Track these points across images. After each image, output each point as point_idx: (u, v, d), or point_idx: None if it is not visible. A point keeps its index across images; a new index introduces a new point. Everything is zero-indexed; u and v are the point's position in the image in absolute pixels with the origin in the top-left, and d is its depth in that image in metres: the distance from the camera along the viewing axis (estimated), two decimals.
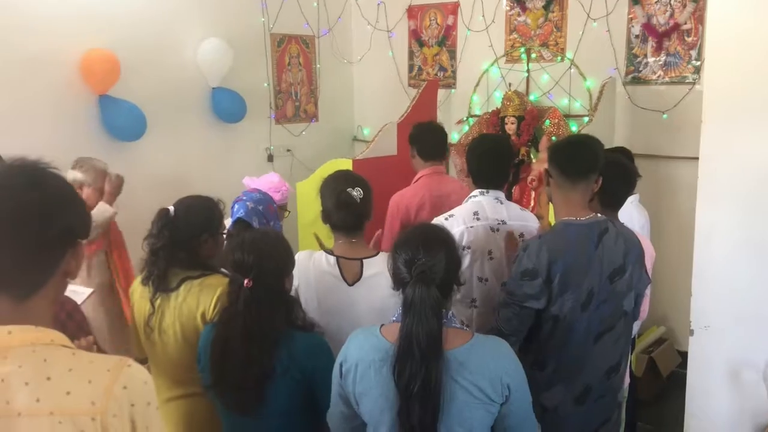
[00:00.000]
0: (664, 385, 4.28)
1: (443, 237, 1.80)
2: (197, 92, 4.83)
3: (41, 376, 1.12)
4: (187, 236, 2.25)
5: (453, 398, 1.63)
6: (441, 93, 5.34)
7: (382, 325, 1.79)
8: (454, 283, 1.77)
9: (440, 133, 3.44)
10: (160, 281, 2.22)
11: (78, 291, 2.76)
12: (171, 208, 2.28)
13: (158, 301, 2.22)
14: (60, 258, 1.19)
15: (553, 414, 2.18)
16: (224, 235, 2.40)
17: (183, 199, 2.34)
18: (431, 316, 1.63)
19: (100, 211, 3.37)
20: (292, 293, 2.21)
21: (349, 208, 2.27)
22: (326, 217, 2.33)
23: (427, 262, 1.67)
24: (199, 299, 2.19)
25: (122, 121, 4.23)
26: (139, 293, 2.31)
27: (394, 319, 1.75)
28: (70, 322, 2.06)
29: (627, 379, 2.86)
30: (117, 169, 4.32)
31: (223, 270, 2.28)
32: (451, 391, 1.63)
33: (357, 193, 2.26)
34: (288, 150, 5.55)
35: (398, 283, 1.74)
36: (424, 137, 3.37)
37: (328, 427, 1.95)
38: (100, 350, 1.91)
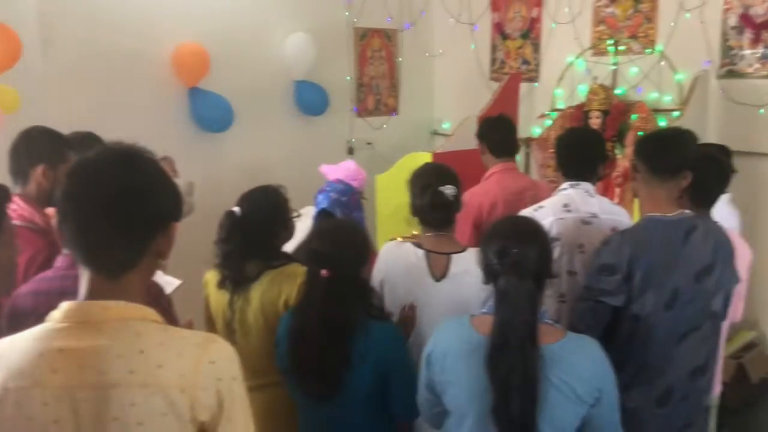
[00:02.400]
0: (753, 393, 4.08)
1: (535, 227, 1.79)
2: (281, 85, 4.94)
3: (134, 349, 1.18)
4: (260, 231, 2.26)
5: (545, 395, 1.60)
6: (523, 86, 5.25)
7: (472, 316, 1.78)
8: (547, 275, 1.74)
9: (511, 128, 3.34)
10: (237, 285, 2.24)
11: (168, 281, 2.85)
12: (237, 209, 2.28)
13: (238, 303, 2.24)
14: (152, 238, 1.25)
15: (632, 415, 2.11)
16: (296, 218, 2.40)
17: (246, 196, 2.33)
18: (526, 308, 1.61)
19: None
20: (376, 283, 2.24)
21: (444, 208, 2.26)
22: (416, 212, 2.33)
23: (520, 253, 1.64)
24: (281, 288, 2.22)
25: (210, 112, 4.40)
26: (213, 285, 2.33)
27: (485, 311, 1.74)
28: (156, 306, 2.13)
29: (719, 386, 2.74)
30: (204, 159, 4.51)
31: (299, 258, 2.31)
32: (543, 388, 1.60)
33: (450, 191, 2.24)
34: (368, 143, 5.59)
35: (489, 274, 1.72)
36: (495, 133, 3.27)
37: (402, 415, 1.97)
38: None
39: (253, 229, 2.25)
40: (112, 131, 1.25)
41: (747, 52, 4.30)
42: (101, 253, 1.22)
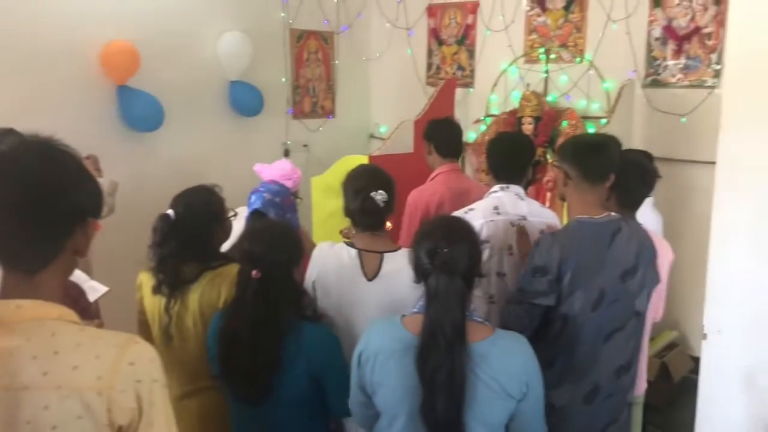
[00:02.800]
0: (675, 390, 4.24)
1: (465, 228, 1.82)
2: (216, 85, 4.86)
3: (49, 350, 1.14)
4: (195, 233, 2.21)
5: (473, 392, 1.63)
6: (459, 92, 5.32)
7: (403, 316, 1.79)
8: (476, 274, 1.78)
9: (458, 130, 3.40)
10: (173, 289, 2.18)
11: (95, 287, 2.75)
12: (171, 212, 2.23)
13: (176, 308, 2.19)
14: (69, 234, 1.20)
15: (560, 413, 2.17)
16: (232, 217, 2.37)
17: (180, 197, 2.28)
18: (456, 306, 1.63)
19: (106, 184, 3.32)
20: (309, 283, 2.22)
21: (374, 214, 2.27)
22: (349, 214, 2.33)
23: (451, 252, 1.67)
24: (220, 289, 2.18)
25: (140, 111, 4.27)
26: (148, 288, 2.27)
27: (415, 310, 1.75)
28: (75, 307, 2.06)
29: (644, 384, 2.84)
30: (134, 159, 4.38)
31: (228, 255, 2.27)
32: (472, 385, 1.63)
33: (381, 197, 2.24)
34: (304, 145, 5.56)
35: (420, 274, 1.74)
36: (442, 134, 3.32)
37: (334, 417, 1.96)
38: None
39: (189, 231, 2.21)
40: (36, 130, 1.20)
41: (670, 62, 4.49)
42: (15, 249, 1.17)
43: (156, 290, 2.23)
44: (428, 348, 1.62)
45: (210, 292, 2.19)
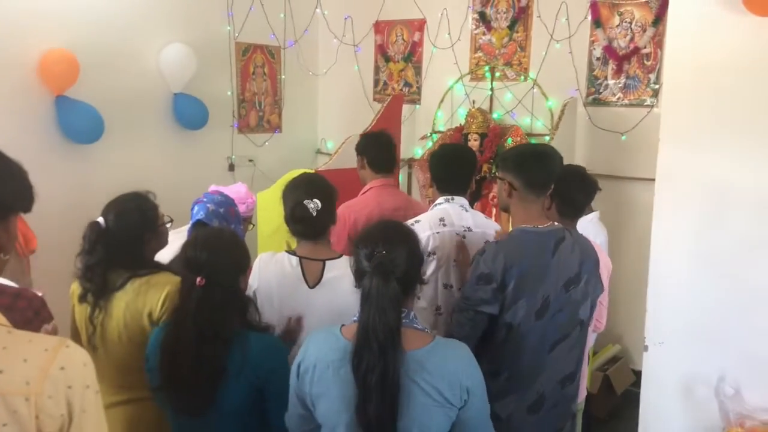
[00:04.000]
0: (618, 403, 4.31)
1: (405, 232, 1.80)
2: (158, 97, 4.76)
3: None
4: (126, 240, 2.14)
5: (412, 400, 1.61)
6: (406, 108, 5.35)
7: (342, 325, 1.76)
8: (417, 280, 1.75)
9: (390, 144, 3.29)
10: (99, 297, 2.11)
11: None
12: (101, 220, 2.16)
13: (99, 317, 2.12)
14: None
15: (506, 423, 2.16)
16: (167, 225, 2.31)
17: (111, 205, 2.20)
18: (389, 309, 1.60)
19: None
20: (250, 293, 2.17)
21: (304, 221, 2.23)
22: (286, 222, 2.30)
23: (387, 255, 1.65)
24: (146, 298, 2.11)
25: (79, 122, 4.15)
26: (77, 296, 2.20)
27: (355, 319, 1.73)
28: (37, 320, 1.97)
29: (584, 392, 2.87)
30: (72, 171, 4.24)
31: (172, 268, 2.21)
32: (410, 393, 1.60)
33: (314, 205, 2.21)
34: (250, 160, 5.49)
35: (358, 277, 1.72)
36: (375, 148, 3.22)
37: (278, 429, 1.91)
38: None
39: (119, 239, 2.14)
40: None
41: (611, 81, 4.62)
42: None
43: (82, 299, 2.15)
44: (361, 350, 1.60)
45: (135, 301, 2.11)
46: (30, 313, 1.98)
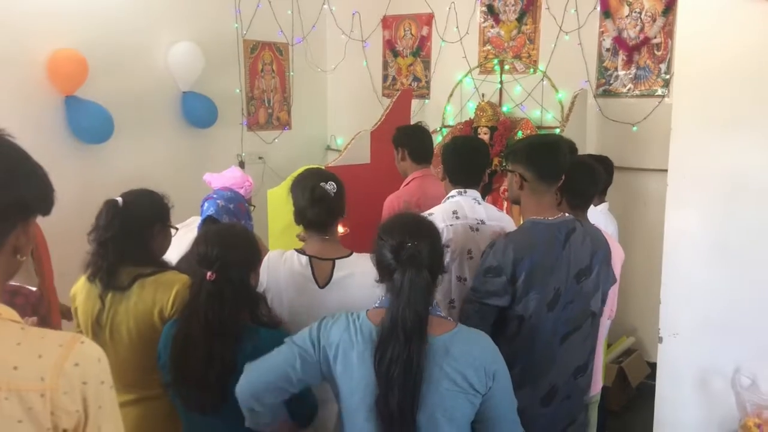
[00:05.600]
0: (633, 396, 4.29)
1: (427, 223, 1.83)
2: (167, 96, 4.77)
3: None
4: (138, 227, 2.15)
5: (437, 385, 1.62)
6: (415, 103, 5.34)
7: (368, 310, 1.77)
8: (440, 270, 1.78)
9: (429, 136, 3.45)
10: (110, 277, 2.11)
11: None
12: (119, 199, 2.18)
13: (109, 297, 2.11)
14: (9, 231, 1.13)
15: (519, 416, 2.15)
16: (175, 229, 2.33)
17: (130, 192, 2.24)
18: (421, 300, 1.63)
19: None
20: (259, 291, 2.17)
21: (323, 202, 2.21)
22: (299, 215, 2.28)
23: (417, 246, 1.67)
24: (155, 297, 2.11)
25: (88, 122, 4.16)
26: (84, 294, 2.18)
27: (377, 305, 1.73)
28: (35, 314, 1.97)
29: (600, 384, 2.85)
30: (82, 171, 4.25)
31: (179, 267, 2.22)
32: (435, 378, 1.62)
33: (330, 187, 2.21)
34: (260, 157, 5.50)
35: (384, 270, 1.73)
36: (415, 139, 3.36)
37: (291, 425, 1.90)
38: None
39: (134, 221, 2.15)
40: None
41: (621, 72, 4.58)
42: None
43: (91, 277, 2.14)
44: (387, 341, 1.61)
45: (144, 300, 2.11)
46: (28, 310, 1.99)
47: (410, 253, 1.66)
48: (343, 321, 1.75)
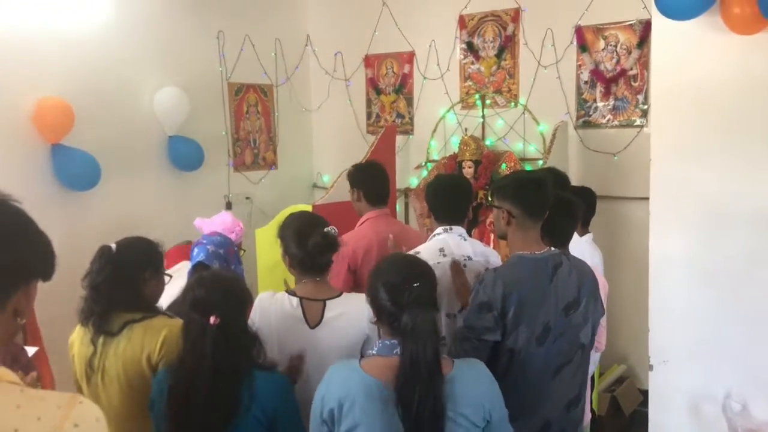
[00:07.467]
0: (626, 424, 4.28)
1: (424, 263, 1.87)
2: (153, 140, 4.79)
3: None
4: (129, 272, 2.19)
5: (447, 423, 1.67)
6: (399, 139, 5.41)
7: (359, 360, 1.79)
8: (437, 308, 1.82)
9: (384, 176, 3.29)
10: (102, 321, 2.13)
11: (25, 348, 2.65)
12: (113, 245, 2.23)
13: (100, 341, 2.13)
14: (12, 293, 1.14)
15: None
16: (167, 276, 2.35)
17: (124, 238, 2.30)
18: (432, 337, 1.67)
19: None
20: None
21: (334, 246, 2.26)
22: (297, 260, 2.29)
23: (421, 286, 1.71)
24: (143, 342, 2.12)
25: (75, 170, 4.16)
26: (80, 339, 2.20)
27: (373, 353, 1.74)
28: (15, 365, 1.97)
29: (589, 415, 2.85)
30: (69, 218, 4.24)
31: (167, 312, 2.23)
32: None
33: (334, 230, 2.26)
34: (247, 197, 5.52)
35: (384, 313, 1.75)
36: (369, 181, 3.22)
37: None
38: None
39: (126, 267, 2.18)
40: None
41: (600, 104, 4.67)
42: None
43: (84, 321, 2.16)
44: (410, 383, 1.63)
45: (133, 345, 2.12)
46: (8, 360, 1.98)
47: (417, 292, 1.70)
48: (340, 375, 1.77)
